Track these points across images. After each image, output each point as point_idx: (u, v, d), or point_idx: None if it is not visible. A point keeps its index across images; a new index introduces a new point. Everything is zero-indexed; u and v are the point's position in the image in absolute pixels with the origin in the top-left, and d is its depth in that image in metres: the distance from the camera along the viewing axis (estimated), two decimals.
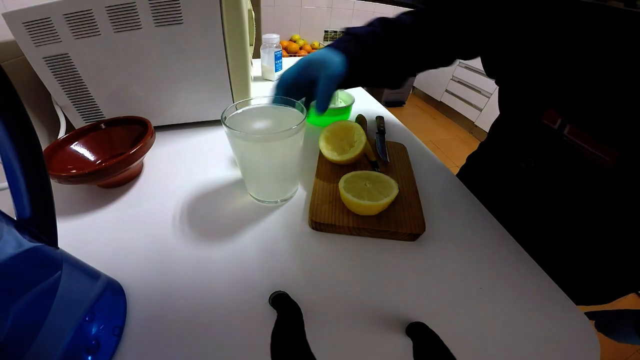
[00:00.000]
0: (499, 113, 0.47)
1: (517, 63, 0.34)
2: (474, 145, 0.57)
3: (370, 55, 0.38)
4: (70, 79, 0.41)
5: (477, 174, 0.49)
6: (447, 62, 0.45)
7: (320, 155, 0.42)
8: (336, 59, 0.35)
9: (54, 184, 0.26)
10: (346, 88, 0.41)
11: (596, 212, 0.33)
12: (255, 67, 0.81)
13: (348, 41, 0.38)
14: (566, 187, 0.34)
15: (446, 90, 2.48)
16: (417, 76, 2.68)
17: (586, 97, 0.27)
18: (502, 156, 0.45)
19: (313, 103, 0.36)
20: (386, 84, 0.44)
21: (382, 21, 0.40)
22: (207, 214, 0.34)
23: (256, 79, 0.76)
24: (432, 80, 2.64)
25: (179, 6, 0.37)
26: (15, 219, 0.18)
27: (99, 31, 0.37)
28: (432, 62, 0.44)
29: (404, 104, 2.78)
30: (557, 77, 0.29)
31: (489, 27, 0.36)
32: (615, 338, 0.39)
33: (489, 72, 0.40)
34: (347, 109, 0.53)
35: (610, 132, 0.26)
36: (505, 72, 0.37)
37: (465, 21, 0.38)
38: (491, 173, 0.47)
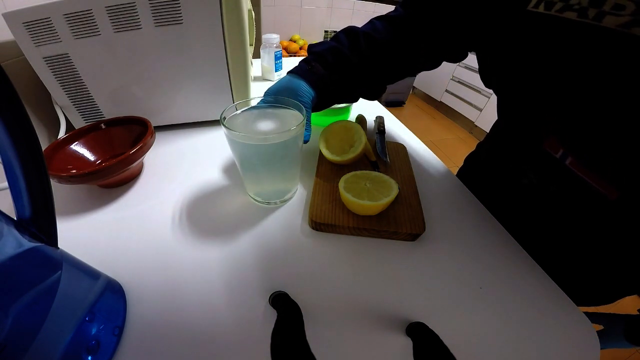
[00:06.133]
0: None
1: (516, 83, 0.32)
2: (474, 145, 0.56)
3: (335, 79, 0.37)
4: (70, 79, 0.41)
5: (475, 179, 0.48)
6: (431, 66, 0.43)
7: (320, 155, 0.42)
8: (304, 87, 0.35)
9: (54, 184, 0.26)
10: (321, 110, 0.42)
11: (598, 223, 0.32)
12: (255, 67, 0.81)
13: (312, 62, 0.37)
14: (568, 200, 0.33)
15: (446, 90, 2.48)
16: (417, 76, 2.68)
17: (590, 132, 0.26)
18: (501, 169, 0.43)
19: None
20: (363, 96, 0.44)
21: (348, 35, 0.38)
22: (207, 214, 0.34)
23: (256, 79, 0.76)
24: (432, 80, 2.64)
25: (179, 6, 0.37)
26: (15, 219, 0.18)
27: (99, 31, 0.37)
28: (411, 70, 0.43)
29: (404, 104, 2.78)
30: (562, 106, 0.27)
31: (488, 39, 0.34)
32: (603, 342, 0.38)
33: (488, 84, 0.39)
34: (347, 109, 0.53)
35: (611, 171, 0.25)
36: (507, 91, 0.35)
37: (455, 25, 0.36)
38: (490, 181, 0.45)
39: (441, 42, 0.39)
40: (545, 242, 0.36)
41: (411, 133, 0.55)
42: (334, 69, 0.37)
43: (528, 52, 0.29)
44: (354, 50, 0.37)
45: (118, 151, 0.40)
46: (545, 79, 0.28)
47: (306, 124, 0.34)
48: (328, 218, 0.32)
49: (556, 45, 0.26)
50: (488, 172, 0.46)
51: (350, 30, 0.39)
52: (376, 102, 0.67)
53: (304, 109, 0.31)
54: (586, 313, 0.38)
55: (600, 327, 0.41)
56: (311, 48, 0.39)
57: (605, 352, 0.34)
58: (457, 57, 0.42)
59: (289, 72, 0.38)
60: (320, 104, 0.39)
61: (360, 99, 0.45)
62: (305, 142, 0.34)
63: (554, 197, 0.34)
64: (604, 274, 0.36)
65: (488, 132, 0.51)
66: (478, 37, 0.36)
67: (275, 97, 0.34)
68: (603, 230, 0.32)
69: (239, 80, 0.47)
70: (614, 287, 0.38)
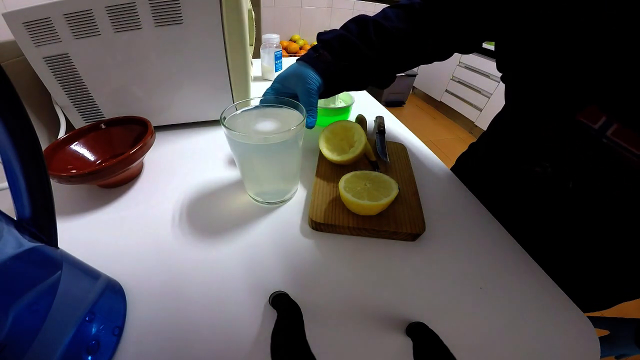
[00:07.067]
0: (498, 112, 0.46)
1: (550, 49, 0.29)
2: None
3: (342, 67, 0.37)
4: (70, 79, 0.41)
5: (470, 177, 0.45)
6: (443, 56, 0.42)
7: (320, 155, 0.42)
8: (311, 74, 0.35)
9: (54, 184, 0.26)
10: (328, 96, 0.41)
11: (616, 222, 0.31)
12: (255, 67, 0.81)
13: (320, 50, 0.37)
14: (587, 196, 0.31)
15: (446, 90, 2.48)
16: (417, 76, 2.68)
17: None
18: (506, 160, 0.41)
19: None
20: (372, 84, 0.43)
21: (358, 23, 0.38)
22: (207, 215, 0.34)
23: (256, 79, 0.76)
24: (432, 80, 2.64)
25: (179, 6, 0.37)
26: (15, 219, 0.18)
27: (99, 31, 0.37)
28: (420, 60, 0.42)
29: (404, 104, 2.78)
30: (606, 63, 0.24)
31: (511, 7, 0.32)
32: (611, 349, 0.37)
33: (504, 65, 0.37)
34: (347, 109, 0.53)
35: None
36: (529, 62, 0.32)
37: (476, 11, 0.35)
38: (489, 177, 0.44)
39: (459, 30, 0.38)
40: (548, 241, 0.35)
41: (411, 133, 0.55)
42: (342, 56, 0.37)
43: (563, 9, 0.26)
44: (362, 38, 0.37)
45: (118, 151, 0.40)
46: (584, 37, 0.25)
47: (312, 109, 0.35)
48: (328, 218, 0.32)
49: None
50: (488, 168, 0.45)
51: (360, 19, 0.39)
52: (376, 102, 0.67)
53: (303, 108, 0.31)
54: (591, 318, 0.38)
55: (606, 333, 0.39)
56: (320, 36, 0.39)
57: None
58: (471, 47, 0.41)
59: (297, 60, 0.38)
60: (327, 90, 0.39)
61: (362, 98, 0.45)
62: (310, 127, 0.34)
63: (570, 191, 0.32)
64: (609, 275, 0.36)
65: (485, 130, 0.51)
66: (501, 15, 0.34)
67: (277, 97, 0.34)
68: (621, 223, 0.30)
69: (239, 80, 0.47)
70: (617, 289, 0.37)
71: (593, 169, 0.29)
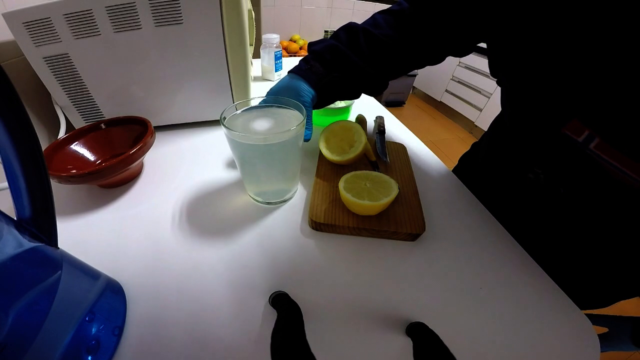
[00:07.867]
0: (498, 113, 0.46)
1: (535, 62, 0.29)
2: None
3: (334, 77, 0.37)
4: (70, 79, 0.41)
5: (471, 178, 0.46)
6: (436, 61, 0.42)
7: (320, 155, 0.42)
8: (304, 86, 0.35)
9: (54, 184, 0.26)
10: (322, 107, 0.41)
11: (608, 226, 0.31)
12: (255, 67, 0.81)
13: (311, 61, 0.37)
14: (578, 202, 0.31)
15: (446, 90, 2.48)
16: (417, 76, 2.68)
17: (623, 106, 0.23)
18: (503, 164, 0.41)
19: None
20: (365, 92, 0.43)
21: (348, 32, 0.38)
22: (207, 215, 0.34)
23: (256, 79, 0.76)
24: (432, 80, 2.64)
25: (179, 6, 0.37)
26: (15, 219, 0.18)
27: (99, 31, 0.37)
28: (412, 65, 0.41)
29: (404, 104, 2.78)
30: (587, 80, 0.25)
31: (499, 18, 0.32)
32: (609, 346, 0.37)
33: (495, 72, 0.37)
34: (347, 109, 0.53)
35: None
36: (517, 73, 0.32)
37: (465, 15, 0.35)
38: (490, 179, 0.44)
39: (450, 35, 0.38)
40: (545, 242, 0.35)
41: (411, 133, 0.55)
42: (333, 67, 0.37)
43: (548, 25, 0.26)
44: (352, 47, 0.37)
45: (118, 151, 0.40)
46: (567, 53, 0.26)
47: (307, 122, 0.35)
48: (328, 218, 0.32)
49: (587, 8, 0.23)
50: (488, 169, 0.46)
51: (349, 27, 0.38)
52: (376, 102, 0.67)
53: (303, 108, 0.31)
54: (590, 315, 0.37)
55: (605, 330, 0.39)
56: (311, 46, 0.39)
57: (605, 353, 0.33)
58: (464, 50, 0.40)
59: (289, 72, 0.38)
60: (321, 101, 0.39)
61: (362, 98, 0.45)
62: (307, 140, 0.34)
63: (562, 197, 0.33)
64: (606, 274, 0.36)
65: (485, 131, 0.51)
66: (491, 25, 0.34)
67: (276, 97, 0.34)
68: (613, 227, 0.31)
69: (239, 80, 0.47)
70: (615, 288, 0.37)
71: (581, 178, 0.29)
